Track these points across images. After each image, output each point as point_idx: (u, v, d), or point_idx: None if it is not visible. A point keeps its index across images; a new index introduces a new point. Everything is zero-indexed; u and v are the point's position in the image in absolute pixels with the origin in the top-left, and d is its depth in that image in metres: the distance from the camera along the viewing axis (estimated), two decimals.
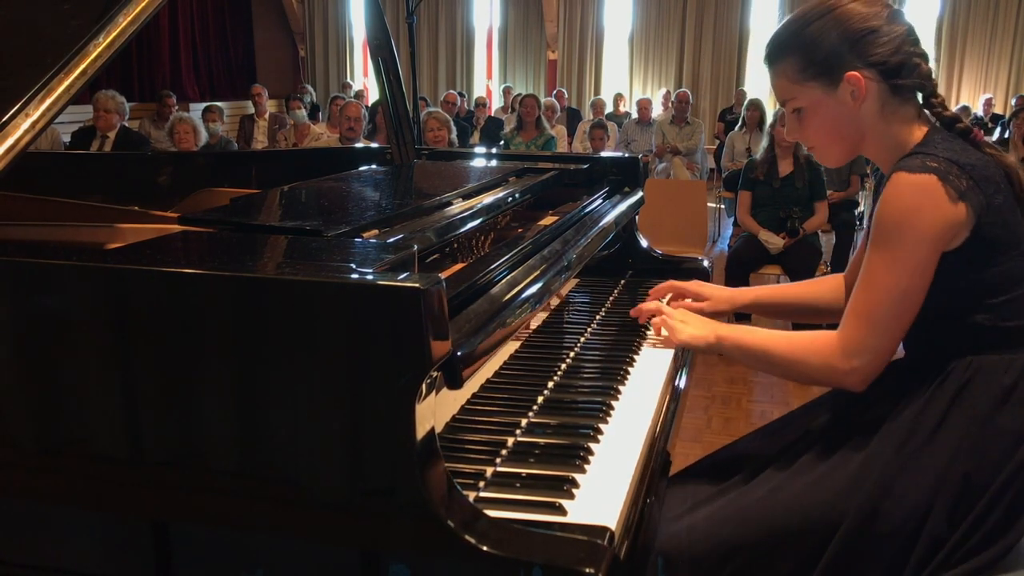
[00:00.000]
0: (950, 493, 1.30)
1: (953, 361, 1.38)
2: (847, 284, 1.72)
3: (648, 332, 1.82)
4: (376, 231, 1.41)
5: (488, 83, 14.49)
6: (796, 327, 4.64)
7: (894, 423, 1.37)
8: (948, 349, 1.38)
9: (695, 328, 1.61)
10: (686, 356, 1.77)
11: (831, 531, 1.35)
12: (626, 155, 2.52)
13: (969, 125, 1.42)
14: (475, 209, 1.67)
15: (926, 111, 1.45)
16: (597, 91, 13.67)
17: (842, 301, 1.72)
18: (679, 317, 1.65)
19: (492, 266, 1.38)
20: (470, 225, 1.63)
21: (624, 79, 13.87)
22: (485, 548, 0.96)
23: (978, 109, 11.27)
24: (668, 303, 1.83)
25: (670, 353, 1.72)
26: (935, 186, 1.29)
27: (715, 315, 1.78)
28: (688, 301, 1.82)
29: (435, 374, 1.05)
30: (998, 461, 1.31)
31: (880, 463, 1.35)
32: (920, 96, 1.44)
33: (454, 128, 5.55)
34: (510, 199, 1.86)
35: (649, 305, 1.76)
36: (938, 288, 1.34)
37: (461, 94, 11.35)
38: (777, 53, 1.46)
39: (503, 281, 1.37)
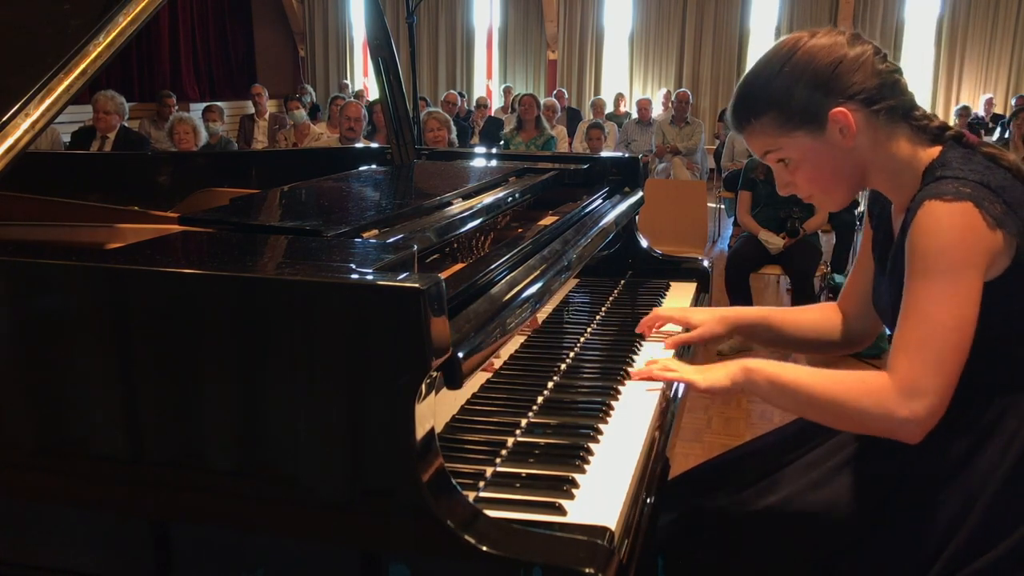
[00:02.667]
0: (964, 538, 1.24)
1: (982, 398, 1.30)
2: (843, 310, 1.62)
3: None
4: (376, 231, 1.41)
5: (488, 83, 14.48)
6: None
7: (915, 453, 1.30)
8: (978, 385, 1.28)
9: (712, 371, 1.43)
10: (686, 356, 1.76)
11: (840, 546, 1.33)
12: (626, 155, 2.52)
13: (959, 130, 1.35)
14: (475, 209, 1.67)
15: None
16: (597, 91, 13.66)
17: (837, 332, 1.62)
18: (685, 371, 1.49)
19: (492, 266, 1.38)
20: (470, 225, 1.63)
21: (624, 79, 13.86)
22: (485, 548, 0.96)
23: (978, 109, 11.25)
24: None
25: (670, 354, 1.71)
26: (972, 213, 1.21)
27: (710, 340, 1.69)
28: (678, 330, 1.73)
29: (435, 374, 1.05)
30: (1017, 518, 1.23)
31: (898, 491, 1.32)
32: (901, 112, 1.33)
33: (454, 128, 5.55)
34: (510, 199, 1.86)
35: (645, 370, 1.56)
36: None
37: (461, 94, 11.34)
38: (749, 115, 1.36)
39: (503, 281, 1.37)
